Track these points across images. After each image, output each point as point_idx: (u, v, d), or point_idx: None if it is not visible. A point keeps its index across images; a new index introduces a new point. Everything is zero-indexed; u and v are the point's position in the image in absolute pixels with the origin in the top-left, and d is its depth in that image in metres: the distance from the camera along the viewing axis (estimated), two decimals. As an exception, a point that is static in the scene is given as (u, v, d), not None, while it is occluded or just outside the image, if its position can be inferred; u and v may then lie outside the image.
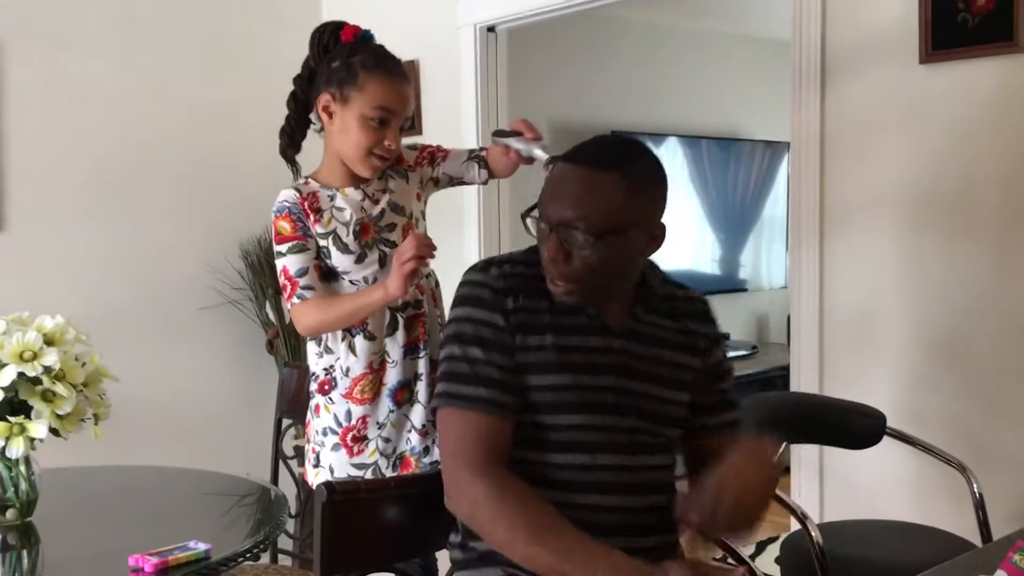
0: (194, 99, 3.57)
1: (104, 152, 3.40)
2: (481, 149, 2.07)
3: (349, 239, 1.90)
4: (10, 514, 1.91)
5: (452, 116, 3.41)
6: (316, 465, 1.98)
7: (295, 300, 1.86)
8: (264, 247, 3.53)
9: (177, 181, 3.54)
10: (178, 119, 3.55)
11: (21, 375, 1.82)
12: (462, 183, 2.10)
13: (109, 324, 3.05)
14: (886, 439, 2.06)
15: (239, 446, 3.43)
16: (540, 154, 1.92)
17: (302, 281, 1.86)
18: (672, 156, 5.15)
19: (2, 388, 1.79)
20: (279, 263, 1.88)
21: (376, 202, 1.94)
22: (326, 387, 1.94)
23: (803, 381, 2.46)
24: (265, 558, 2.45)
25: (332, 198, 1.92)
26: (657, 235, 1.46)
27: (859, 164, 2.37)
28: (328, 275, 1.91)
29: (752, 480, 1.30)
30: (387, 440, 1.94)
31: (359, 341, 1.92)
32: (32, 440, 1.85)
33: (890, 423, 2.09)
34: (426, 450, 1.94)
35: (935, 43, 2.19)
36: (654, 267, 1.57)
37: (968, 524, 2.07)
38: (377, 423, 1.93)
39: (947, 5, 2.16)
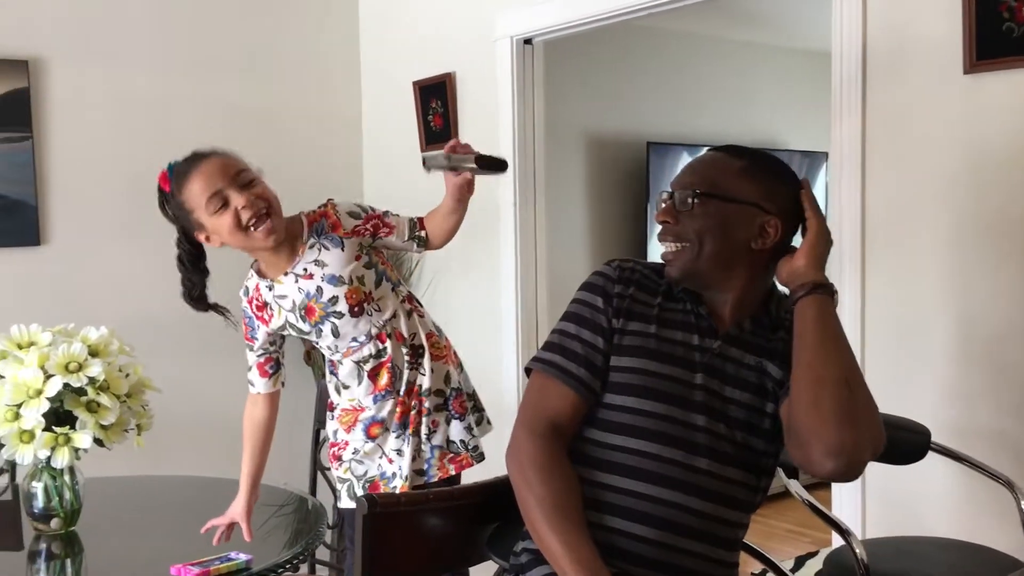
0: (231, 109, 3.61)
1: (143, 164, 3.41)
2: (420, 222, 2.08)
3: (300, 323, 2.01)
4: (55, 523, 1.93)
5: (489, 128, 3.42)
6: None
7: (248, 388, 2.14)
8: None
9: (216, 193, 3.58)
10: (215, 129, 3.57)
11: (66, 386, 1.84)
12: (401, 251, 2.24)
13: (149, 335, 3.08)
14: (930, 454, 2.02)
15: (277, 456, 3.42)
16: (468, 160, 1.90)
17: (248, 375, 2.13)
18: (708, 167, 5.12)
19: (48, 399, 1.82)
20: None
21: (310, 277, 1.99)
22: (331, 407, 2.15)
23: (844, 395, 2.41)
24: (303, 568, 2.46)
25: (271, 288, 2.02)
26: (769, 230, 1.48)
27: (902, 175, 2.34)
28: (278, 364, 2.13)
29: None
30: (360, 463, 2.08)
31: (339, 385, 2.09)
32: (77, 450, 1.87)
33: (934, 438, 2.05)
34: (394, 475, 2.05)
35: (979, 53, 2.15)
36: (784, 299, 1.55)
37: (1015, 541, 2.03)
38: (355, 449, 2.08)
39: (991, 14, 2.13)
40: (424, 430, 2.04)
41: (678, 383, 1.47)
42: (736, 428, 1.46)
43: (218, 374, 3.55)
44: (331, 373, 2.11)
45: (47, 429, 1.84)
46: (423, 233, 2.07)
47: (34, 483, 1.94)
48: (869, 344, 2.39)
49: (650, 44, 4.82)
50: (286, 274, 2.00)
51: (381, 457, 2.06)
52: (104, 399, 1.89)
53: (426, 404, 2.04)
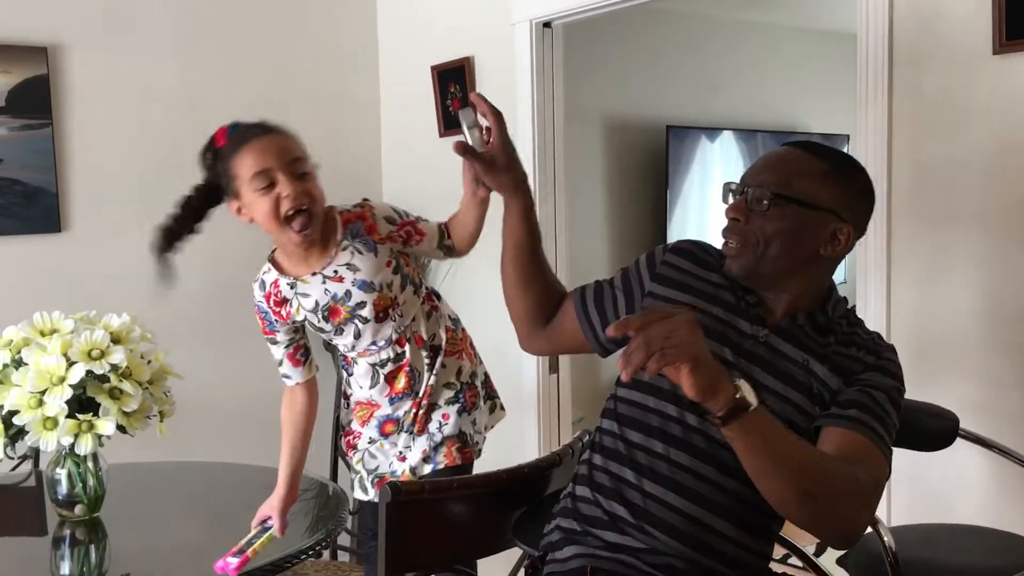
0: (252, 98, 3.60)
1: (163, 150, 3.44)
2: (447, 229, 2.02)
3: (322, 324, 1.96)
4: (78, 510, 1.94)
5: (508, 112, 3.35)
6: None
7: (282, 383, 2.05)
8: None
9: (235, 180, 3.58)
10: (234, 115, 3.55)
11: (89, 373, 1.84)
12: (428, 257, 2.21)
13: (170, 322, 3.09)
14: (959, 441, 1.99)
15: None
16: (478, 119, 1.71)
17: (280, 370, 2.04)
18: (727, 150, 5.08)
19: (71, 386, 1.82)
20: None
21: (340, 280, 1.91)
22: (346, 395, 2.13)
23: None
24: (325, 555, 2.47)
25: (293, 286, 1.95)
26: (840, 238, 1.43)
27: (929, 158, 2.30)
28: (307, 349, 2.05)
29: None
30: (372, 456, 2.07)
31: (354, 381, 2.05)
32: (100, 437, 1.88)
33: (963, 424, 2.02)
34: (401, 473, 2.03)
35: (1009, 33, 2.11)
36: (843, 302, 1.52)
37: (1045, 529, 2.01)
38: (369, 438, 2.06)
39: (1022, -7, 2.09)
40: (433, 427, 2.00)
41: (719, 360, 1.44)
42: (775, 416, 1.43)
43: (239, 359, 3.56)
44: (344, 368, 2.09)
45: (70, 416, 1.84)
46: (450, 242, 2.00)
47: (58, 470, 1.94)
48: (895, 328, 2.36)
49: (669, 26, 4.77)
50: (313, 274, 1.92)
51: (392, 456, 2.04)
52: (126, 386, 1.89)
53: (440, 398, 2.01)
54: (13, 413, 1.83)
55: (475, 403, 2.06)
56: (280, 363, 2.03)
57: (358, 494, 2.09)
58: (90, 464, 1.94)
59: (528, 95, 3.30)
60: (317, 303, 1.93)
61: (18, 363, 1.87)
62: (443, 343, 2.03)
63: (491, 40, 3.44)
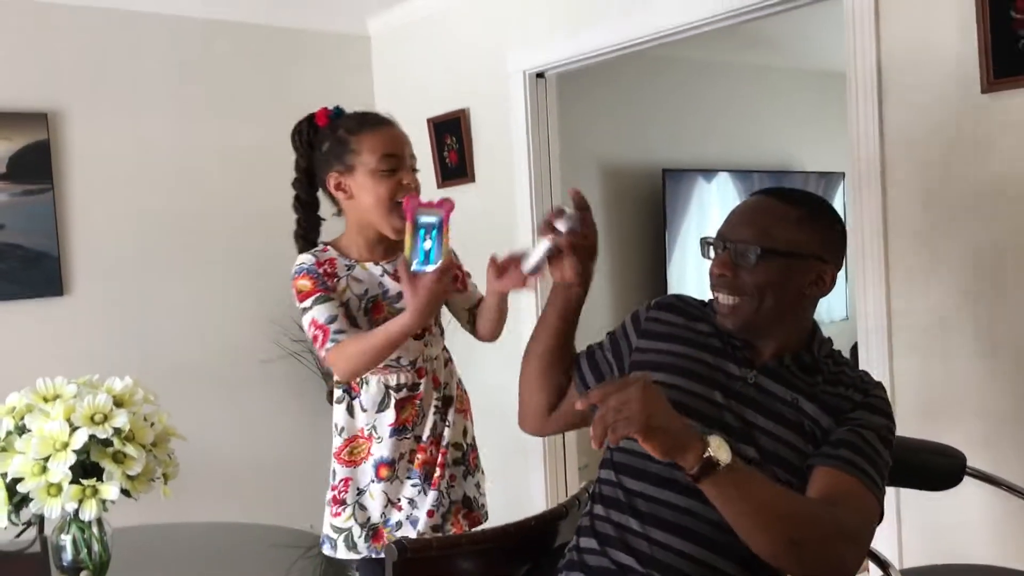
0: (249, 155, 3.64)
1: (164, 211, 3.47)
2: (480, 301, 2.02)
3: (359, 314, 1.90)
4: (84, 576, 1.92)
5: (504, 162, 3.43)
6: None
7: (329, 345, 1.82)
8: (322, 299, 3.56)
9: (235, 237, 3.60)
10: (234, 176, 3.62)
11: (92, 437, 1.84)
12: (454, 314, 2.08)
13: (173, 380, 3.10)
14: (967, 480, 1.98)
15: (302, 498, 3.43)
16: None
17: (333, 326, 1.84)
18: (724, 191, 5.12)
19: (75, 451, 1.81)
20: (306, 318, 1.87)
21: (398, 280, 1.90)
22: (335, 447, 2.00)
23: (874, 419, 2.38)
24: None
25: (350, 268, 1.92)
26: (824, 279, 1.47)
27: (924, 197, 2.32)
28: (351, 323, 1.89)
29: None
30: (363, 508, 1.94)
31: (357, 405, 1.94)
32: (104, 501, 1.86)
33: (969, 461, 2.01)
34: (399, 524, 1.93)
35: (996, 72, 2.14)
36: (826, 342, 1.55)
37: (1058, 566, 1.99)
38: (357, 489, 1.94)
39: (1006, 33, 2.11)
40: (443, 485, 1.96)
41: (704, 400, 1.46)
42: (766, 459, 1.43)
43: (240, 416, 3.56)
44: (345, 392, 1.96)
45: (74, 481, 1.83)
46: (475, 318, 2.02)
47: (62, 536, 1.92)
48: (897, 367, 2.36)
49: (661, 71, 4.83)
50: (376, 263, 1.93)
51: (387, 504, 1.94)
52: (130, 449, 1.87)
53: (448, 457, 1.97)
54: (17, 480, 1.81)
55: (477, 464, 2.04)
56: (333, 320, 1.85)
57: (342, 554, 1.95)
58: (95, 529, 1.92)
59: (524, 144, 3.34)
60: (366, 291, 1.91)
61: (21, 429, 1.86)
62: (454, 398, 2.02)
63: (486, 92, 3.48)
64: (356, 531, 1.94)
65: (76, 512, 1.85)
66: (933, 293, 2.31)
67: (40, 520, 2.24)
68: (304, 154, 2.00)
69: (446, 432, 1.99)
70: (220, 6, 3.57)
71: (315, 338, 1.86)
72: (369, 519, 1.95)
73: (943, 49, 2.25)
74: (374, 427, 1.94)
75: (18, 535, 2.36)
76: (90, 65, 3.35)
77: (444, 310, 2.02)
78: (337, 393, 1.99)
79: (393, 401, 1.93)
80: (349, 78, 3.93)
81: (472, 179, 3.57)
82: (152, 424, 1.98)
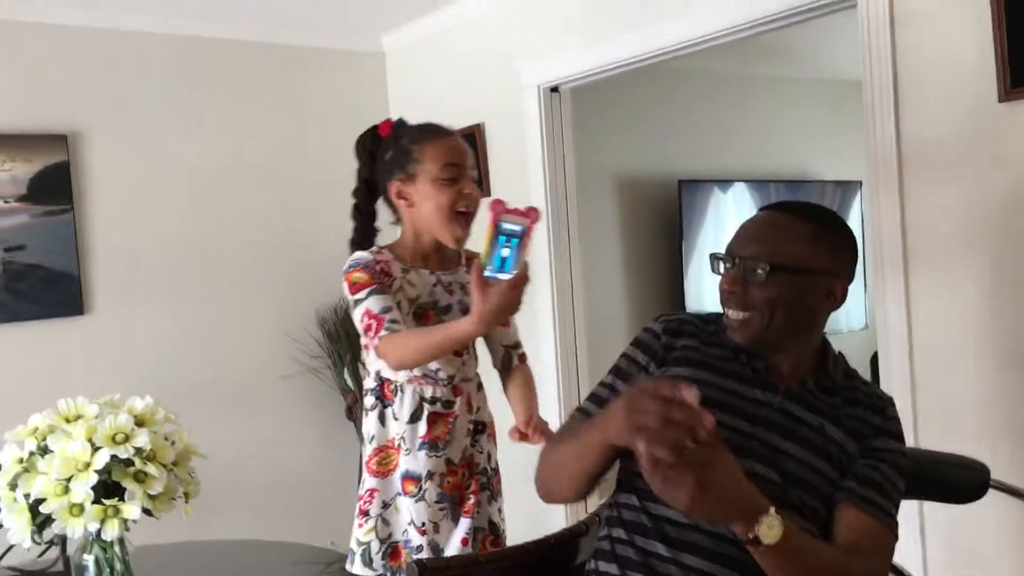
0: (266, 173, 3.67)
1: (181, 230, 3.49)
2: (521, 358, 2.07)
3: (407, 318, 1.89)
4: (106, 596, 1.92)
5: (519, 176, 3.43)
6: None
7: (384, 333, 1.80)
8: (340, 314, 3.57)
9: (253, 254, 3.62)
10: (251, 193, 3.64)
11: (114, 457, 1.84)
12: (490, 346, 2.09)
13: (192, 398, 3.11)
14: (991, 492, 1.96)
15: (321, 514, 3.44)
16: None
17: (388, 316, 1.82)
18: (740, 202, 5.10)
19: (96, 471, 1.82)
20: (359, 309, 1.84)
21: (450, 293, 1.94)
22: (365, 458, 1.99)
23: (896, 430, 2.36)
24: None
25: (405, 271, 1.93)
26: (835, 294, 1.46)
27: (942, 205, 2.31)
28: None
29: None
30: (386, 523, 1.94)
31: (388, 414, 1.94)
32: (126, 521, 1.87)
33: (993, 473, 1.99)
34: (419, 548, 1.91)
35: (1014, 81, 2.13)
36: (840, 359, 1.55)
37: (1085, 578, 1.96)
38: (383, 502, 1.94)
39: (1023, 41, 2.10)
40: (474, 512, 1.96)
41: (732, 431, 1.43)
42: (792, 484, 1.42)
43: (260, 433, 3.57)
44: (378, 399, 1.94)
45: (96, 501, 1.84)
46: (508, 361, 2.05)
47: (85, 556, 1.93)
48: (918, 373, 2.34)
49: (677, 83, 4.83)
50: (431, 272, 1.95)
51: (409, 524, 1.93)
52: (151, 468, 1.88)
53: (479, 483, 1.98)
54: (40, 501, 1.82)
55: (499, 489, 2.04)
56: (387, 310, 1.83)
57: (358, 569, 1.94)
58: (117, 549, 1.93)
59: (539, 158, 3.34)
60: (418, 296, 1.92)
61: (44, 450, 1.88)
62: (487, 424, 2.02)
63: (501, 107, 3.49)
64: (375, 546, 1.93)
65: (98, 532, 1.86)
66: (955, 302, 2.30)
67: (63, 540, 2.25)
68: (366, 163, 2.02)
69: (481, 459, 1.99)
70: (235, 24, 3.60)
71: (368, 328, 1.83)
72: (391, 535, 1.94)
73: (959, 58, 2.24)
74: (404, 438, 1.93)
75: (41, 555, 2.38)
76: (108, 86, 3.39)
77: (473, 348, 2.02)
78: (370, 401, 1.98)
79: (426, 413, 1.93)
80: (364, 94, 3.95)
81: (488, 193, 3.58)
82: (173, 443, 1.98)
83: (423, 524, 1.93)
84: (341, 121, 3.86)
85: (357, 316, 1.86)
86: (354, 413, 3.57)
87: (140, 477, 1.87)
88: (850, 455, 1.44)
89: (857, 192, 5.35)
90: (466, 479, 1.96)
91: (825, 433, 1.44)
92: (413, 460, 1.93)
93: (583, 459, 1.41)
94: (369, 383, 1.99)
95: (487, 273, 1.61)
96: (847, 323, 5.84)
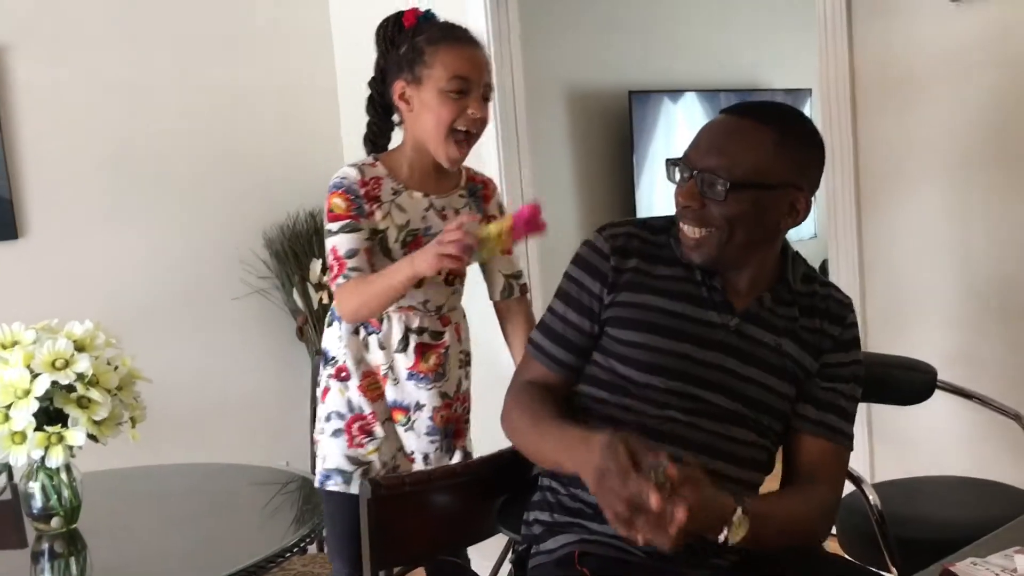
0: (209, 90, 3.53)
1: (121, 149, 3.37)
2: (522, 288, 2.00)
3: (395, 245, 1.81)
4: (55, 522, 1.90)
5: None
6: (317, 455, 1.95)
7: (340, 280, 1.75)
8: (287, 234, 3.51)
9: (197, 174, 3.51)
10: (194, 111, 3.51)
11: (55, 384, 1.80)
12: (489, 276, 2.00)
13: (138, 323, 3.04)
14: (937, 393, 1.99)
15: (276, 436, 3.43)
16: None
17: (350, 263, 1.76)
18: (690, 112, 5.06)
19: (37, 398, 1.77)
20: (329, 242, 1.78)
21: (443, 218, 1.83)
22: (343, 373, 1.88)
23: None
24: (311, 549, 2.44)
25: (396, 193, 1.82)
26: (799, 207, 1.39)
27: (895, 110, 2.29)
28: (385, 254, 1.82)
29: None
30: (388, 443, 1.90)
31: (373, 341, 1.87)
32: (71, 448, 1.84)
33: (940, 375, 2.02)
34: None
35: (967, -21, 2.10)
36: (798, 261, 1.49)
37: (1026, 474, 2.02)
38: (383, 421, 1.89)
39: (978, -63, 2.06)
40: (467, 440, 1.95)
41: (688, 360, 1.40)
42: (756, 409, 1.41)
43: (209, 356, 3.51)
44: (363, 326, 1.86)
45: (39, 428, 1.80)
46: (515, 292, 1.98)
47: (31, 483, 1.90)
48: (868, 283, 2.36)
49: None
50: (425, 195, 1.84)
51: (399, 450, 1.90)
52: (94, 394, 1.84)
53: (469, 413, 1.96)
54: (-21, 429, 1.78)
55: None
56: (353, 254, 1.76)
57: (339, 487, 1.88)
58: (63, 476, 1.90)
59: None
60: (408, 223, 1.81)
61: (-20, 378, 1.82)
62: (471, 354, 1.99)
63: (445, 9, 3.35)
64: (377, 466, 1.87)
65: (43, 459, 1.82)
66: (905, 207, 2.30)
67: (8, 469, 2.21)
68: (384, 53, 1.86)
69: (470, 387, 1.96)
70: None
71: (331, 267, 1.78)
72: (394, 457, 1.90)
73: (913, -43, 2.20)
74: (391, 367, 1.86)
75: (-14, 484, 2.34)
76: (34, -3, 3.21)
77: (464, 278, 1.95)
78: (352, 328, 1.88)
79: (413, 344, 1.85)
80: (308, 6, 3.80)
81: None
82: (116, 368, 1.94)
83: (411, 452, 1.91)
84: (284, 35, 3.73)
85: (327, 248, 1.80)
86: (304, 334, 3.52)
87: (83, 403, 1.84)
88: (808, 371, 1.42)
89: (807, 100, 5.34)
90: (458, 411, 1.93)
91: (782, 351, 1.42)
92: (400, 391, 1.87)
93: (556, 453, 1.37)
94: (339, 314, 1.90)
95: (475, 259, 1.66)
96: (796, 233, 5.87)
